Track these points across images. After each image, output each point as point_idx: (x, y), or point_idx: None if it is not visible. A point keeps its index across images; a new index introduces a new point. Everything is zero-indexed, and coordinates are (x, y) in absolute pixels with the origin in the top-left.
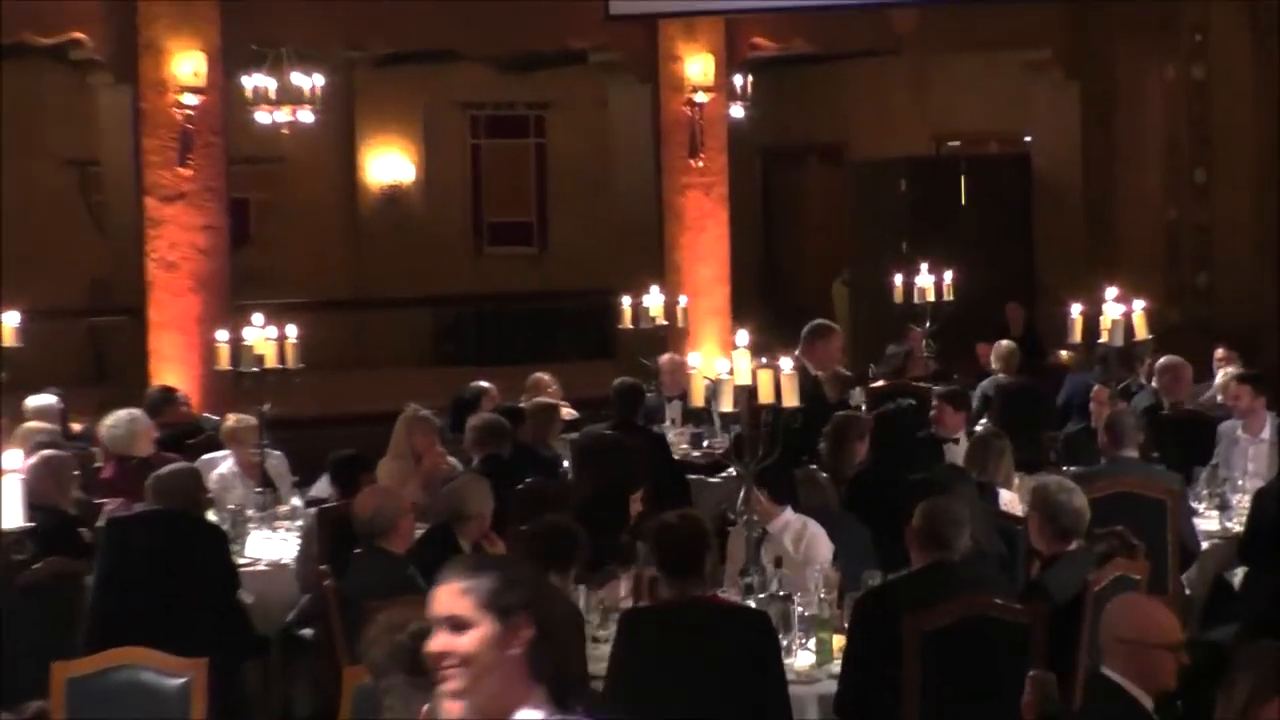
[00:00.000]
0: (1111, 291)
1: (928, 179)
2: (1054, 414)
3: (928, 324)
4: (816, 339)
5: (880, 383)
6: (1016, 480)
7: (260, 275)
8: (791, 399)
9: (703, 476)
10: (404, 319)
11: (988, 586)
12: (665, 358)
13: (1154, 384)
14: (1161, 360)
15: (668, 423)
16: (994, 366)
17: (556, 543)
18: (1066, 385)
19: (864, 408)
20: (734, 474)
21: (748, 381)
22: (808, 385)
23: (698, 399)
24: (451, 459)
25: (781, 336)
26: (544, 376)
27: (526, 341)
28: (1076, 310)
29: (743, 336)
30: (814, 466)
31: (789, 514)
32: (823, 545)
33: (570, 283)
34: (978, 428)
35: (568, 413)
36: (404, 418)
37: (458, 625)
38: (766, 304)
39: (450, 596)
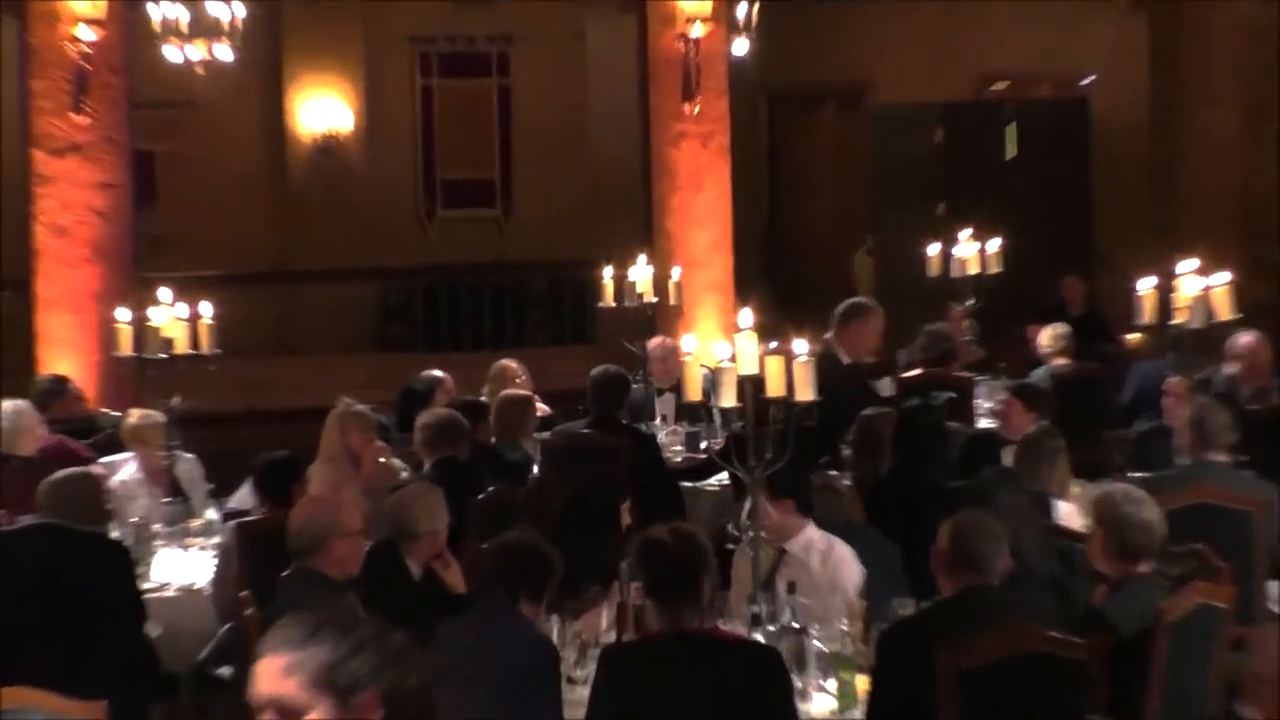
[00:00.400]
0: (1189, 263)
1: (967, 128)
2: (1120, 409)
3: (969, 302)
4: (852, 319)
5: (914, 371)
6: (1075, 489)
7: (169, 243)
8: (806, 391)
9: (698, 484)
10: (341, 296)
11: (1036, 615)
12: (655, 342)
13: (1225, 369)
14: (1235, 339)
15: (658, 420)
16: (1046, 352)
17: (524, 565)
18: (1134, 375)
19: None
20: (728, 480)
21: (753, 370)
22: (835, 373)
23: (694, 392)
24: (397, 462)
25: (793, 315)
26: (511, 364)
27: (488, 323)
28: (1147, 285)
29: (747, 316)
30: (834, 472)
31: (811, 530)
32: (851, 569)
33: (541, 252)
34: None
35: (539, 408)
36: (334, 414)
37: (285, 711)
38: (776, 278)
39: (273, 674)
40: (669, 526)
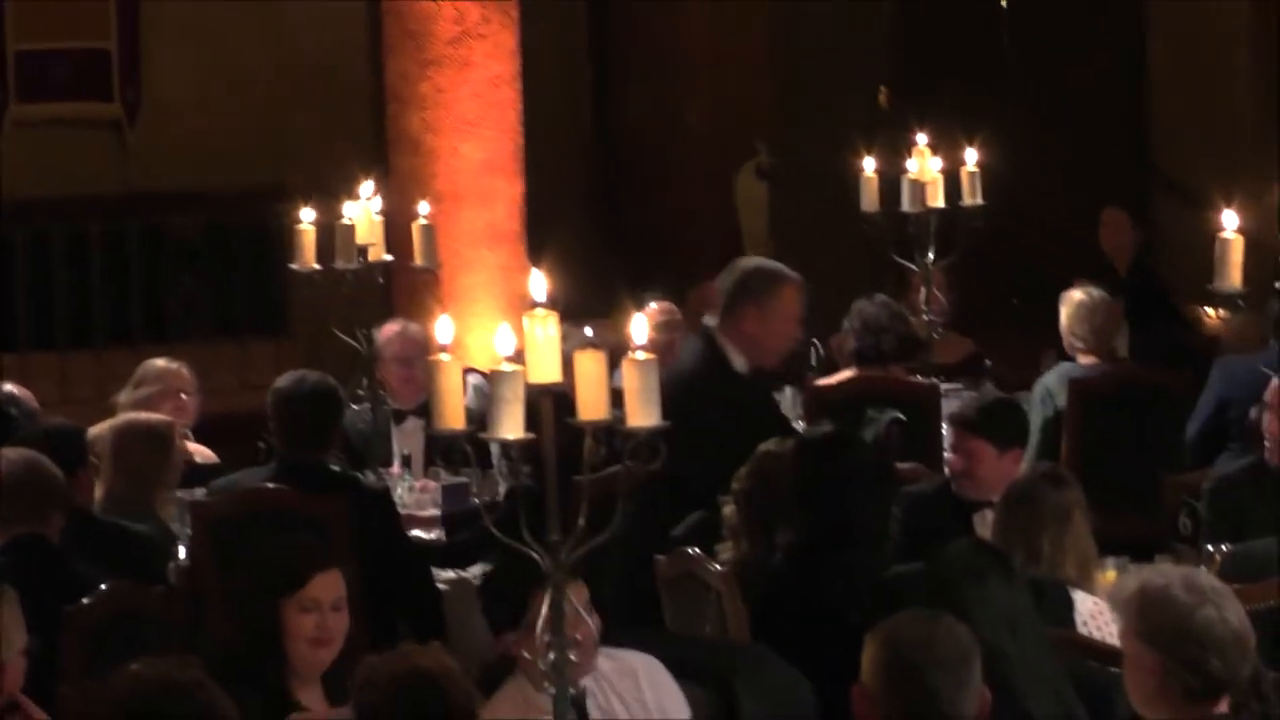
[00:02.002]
0: None
1: None
2: (1184, 437)
3: (931, 256)
4: (752, 300)
5: (838, 376)
6: (1108, 572)
7: None
8: (645, 411)
9: (465, 573)
10: None
11: None
12: (391, 330)
13: None
14: None
15: (396, 465)
16: (1068, 338)
17: None
18: (1215, 379)
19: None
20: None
21: (554, 376)
22: (724, 392)
23: (452, 416)
24: None
25: (635, 281)
26: (174, 367)
27: (103, 300)
28: (1232, 224)
29: (540, 283)
30: (694, 551)
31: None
32: (671, 701)
33: (194, 178)
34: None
35: (197, 451)
36: None
37: None
38: (604, 218)
39: None
40: (408, 656)
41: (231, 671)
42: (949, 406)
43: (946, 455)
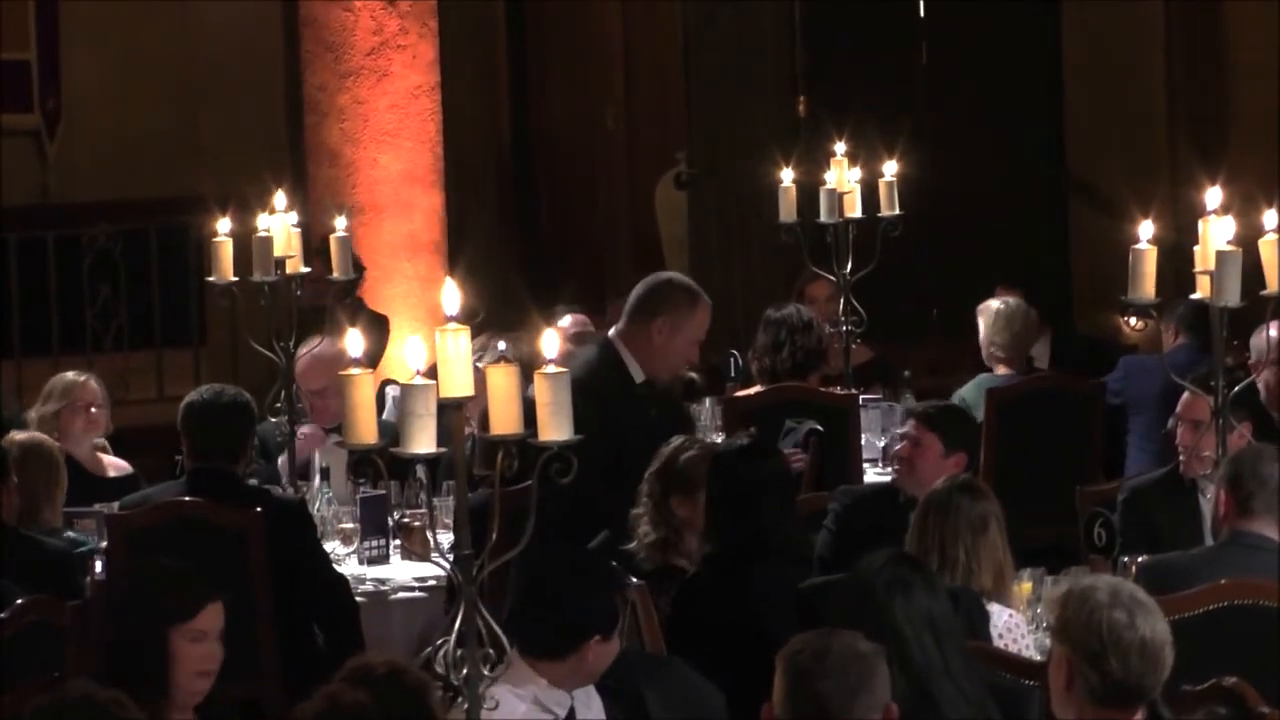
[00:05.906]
0: (1213, 194)
1: None
2: (1101, 446)
3: (848, 269)
4: (661, 311)
5: (750, 390)
6: (1024, 584)
7: None
8: (558, 426)
9: (385, 586)
10: None
11: None
12: (304, 359)
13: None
14: (1265, 330)
15: (317, 479)
16: (988, 348)
17: None
18: (1118, 378)
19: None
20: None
21: (465, 390)
22: (619, 401)
23: (363, 430)
24: None
25: (552, 293)
26: (83, 380)
27: (21, 310)
28: (1147, 234)
29: (453, 295)
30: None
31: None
32: None
33: (113, 189)
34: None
35: (110, 463)
36: None
37: None
38: (521, 227)
39: None
40: (353, 674)
41: None
42: (868, 417)
43: (897, 446)
